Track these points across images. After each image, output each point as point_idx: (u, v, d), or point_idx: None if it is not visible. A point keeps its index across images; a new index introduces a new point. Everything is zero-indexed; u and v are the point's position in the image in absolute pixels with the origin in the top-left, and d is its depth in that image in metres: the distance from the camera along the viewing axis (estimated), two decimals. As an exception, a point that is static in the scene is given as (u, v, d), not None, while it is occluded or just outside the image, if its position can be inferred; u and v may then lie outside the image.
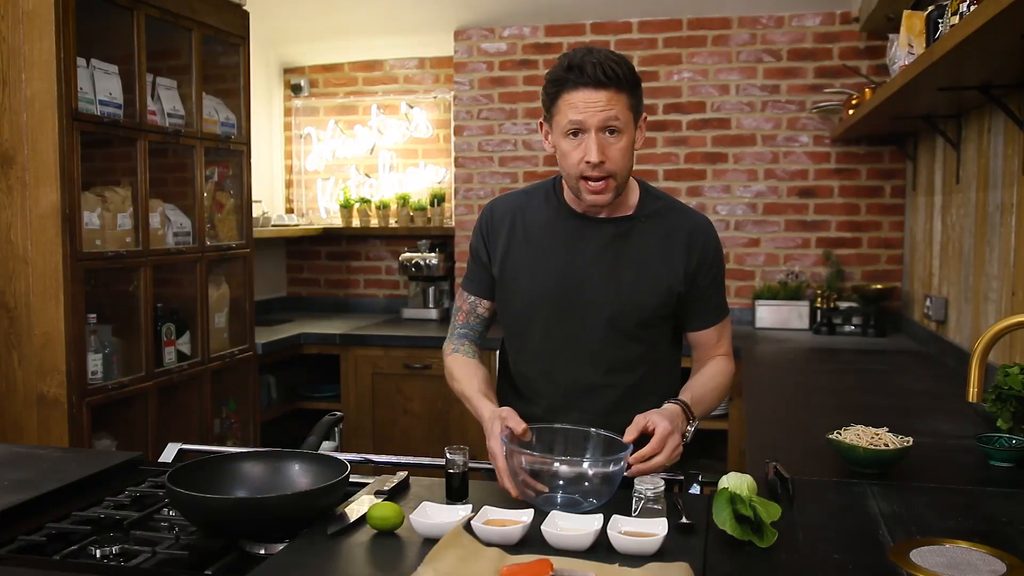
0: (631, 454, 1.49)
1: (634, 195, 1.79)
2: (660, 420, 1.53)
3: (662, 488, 1.37)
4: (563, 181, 1.78)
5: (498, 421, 1.57)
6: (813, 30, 4.05)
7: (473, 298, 1.88)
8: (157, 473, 1.64)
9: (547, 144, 1.73)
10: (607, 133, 1.63)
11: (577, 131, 1.63)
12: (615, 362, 1.77)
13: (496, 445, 1.53)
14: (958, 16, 1.88)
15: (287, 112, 4.87)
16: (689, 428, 1.65)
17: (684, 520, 1.34)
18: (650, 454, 1.51)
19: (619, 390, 1.78)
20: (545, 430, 1.57)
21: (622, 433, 1.56)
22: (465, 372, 1.79)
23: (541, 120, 1.73)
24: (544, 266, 1.77)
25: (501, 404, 1.86)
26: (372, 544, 1.30)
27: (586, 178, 1.65)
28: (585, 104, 1.61)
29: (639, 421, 1.54)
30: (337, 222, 4.76)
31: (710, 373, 1.83)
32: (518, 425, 1.53)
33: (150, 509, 1.45)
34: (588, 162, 1.63)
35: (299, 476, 1.47)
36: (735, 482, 1.36)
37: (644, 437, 1.54)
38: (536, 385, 1.82)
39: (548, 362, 1.79)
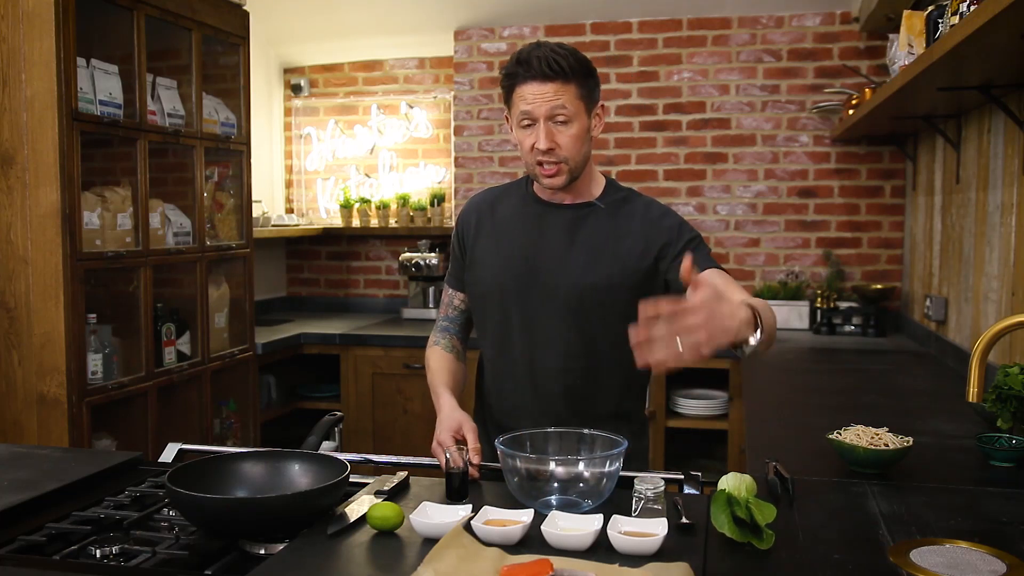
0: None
1: (599, 186, 1.86)
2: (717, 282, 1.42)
3: (662, 488, 1.37)
4: None
5: (453, 422, 1.68)
6: (813, 30, 4.05)
7: (451, 291, 1.98)
8: (157, 473, 1.64)
9: (512, 135, 1.80)
10: (556, 122, 1.70)
11: (529, 121, 1.71)
12: (571, 344, 1.80)
13: (446, 438, 1.65)
14: (958, 16, 1.88)
15: (287, 112, 4.87)
16: (751, 339, 1.36)
17: (684, 520, 1.34)
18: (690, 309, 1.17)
19: (576, 373, 1.81)
20: (538, 434, 1.57)
21: (586, 419, 1.64)
22: (438, 365, 1.90)
23: (506, 114, 1.80)
24: (505, 251, 1.84)
25: (480, 390, 1.97)
26: (372, 544, 1.30)
27: (540, 163, 1.74)
28: (533, 96, 1.69)
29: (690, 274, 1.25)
30: (337, 222, 4.76)
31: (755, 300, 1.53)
32: (473, 441, 1.63)
33: (150, 509, 1.45)
34: (539, 148, 1.71)
35: (299, 476, 1.47)
36: (734, 482, 1.35)
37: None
38: (499, 367, 1.87)
39: (507, 344, 1.85)
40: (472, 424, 1.69)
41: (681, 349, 1.16)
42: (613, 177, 4.26)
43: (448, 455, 1.51)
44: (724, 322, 1.24)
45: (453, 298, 1.98)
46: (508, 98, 1.75)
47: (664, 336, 1.16)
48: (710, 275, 1.68)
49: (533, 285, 1.80)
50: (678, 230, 1.81)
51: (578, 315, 1.79)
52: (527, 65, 1.68)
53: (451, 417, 1.71)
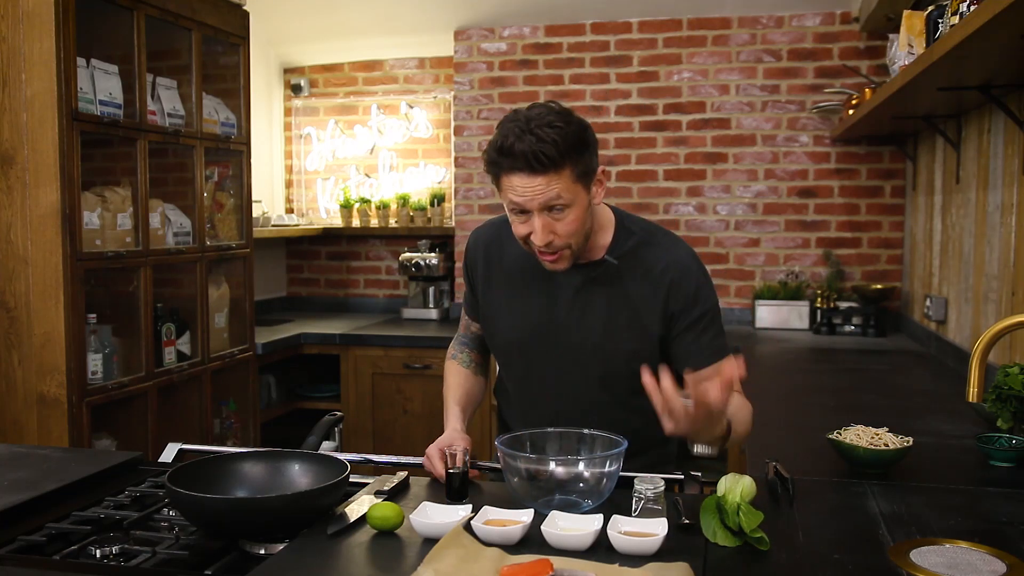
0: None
1: (607, 234, 1.72)
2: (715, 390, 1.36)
3: (662, 488, 1.37)
4: None
5: (448, 440, 1.64)
6: (813, 30, 4.05)
7: (467, 318, 1.95)
8: (157, 473, 1.64)
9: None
10: (552, 212, 1.56)
11: (521, 211, 1.58)
12: (597, 401, 1.74)
13: (434, 452, 1.60)
14: (958, 16, 1.88)
15: (287, 112, 4.87)
16: (706, 449, 1.60)
17: (684, 520, 1.34)
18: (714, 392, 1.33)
19: (604, 426, 1.70)
20: (538, 434, 1.57)
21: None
22: (454, 382, 1.86)
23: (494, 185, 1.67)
24: (518, 309, 1.77)
25: (501, 412, 1.93)
26: (372, 544, 1.30)
27: (539, 251, 1.61)
28: (523, 188, 1.53)
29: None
30: (337, 222, 4.76)
31: (734, 404, 1.60)
32: (460, 459, 1.57)
33: (150, 509, 1.45)
34: (535, 243, 1.59)
35: (299, 476, 1.47)
36: (733, 483, 1.35)
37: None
38: (525, 415, 1.82)
39: (528, 401, 1.81)
40: (465, 447, 1.61)
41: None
42: (612, 181, 4.26)
43: (448, 454, 1.51)
44: (701, 435, 1.48)
45: (470, 325, 1.94)
46: (495, 180, 1.59)
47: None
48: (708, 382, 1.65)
49: (552, 348, 1.73)
50: (693, 297, 1.68)
51: (603, 378, 1.72)
52: (512, 156, 1.50)
53: (449, 437, 1.68)
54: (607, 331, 1.70)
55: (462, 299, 1.97)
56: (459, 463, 1.50)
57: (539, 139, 1.49)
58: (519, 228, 1.60)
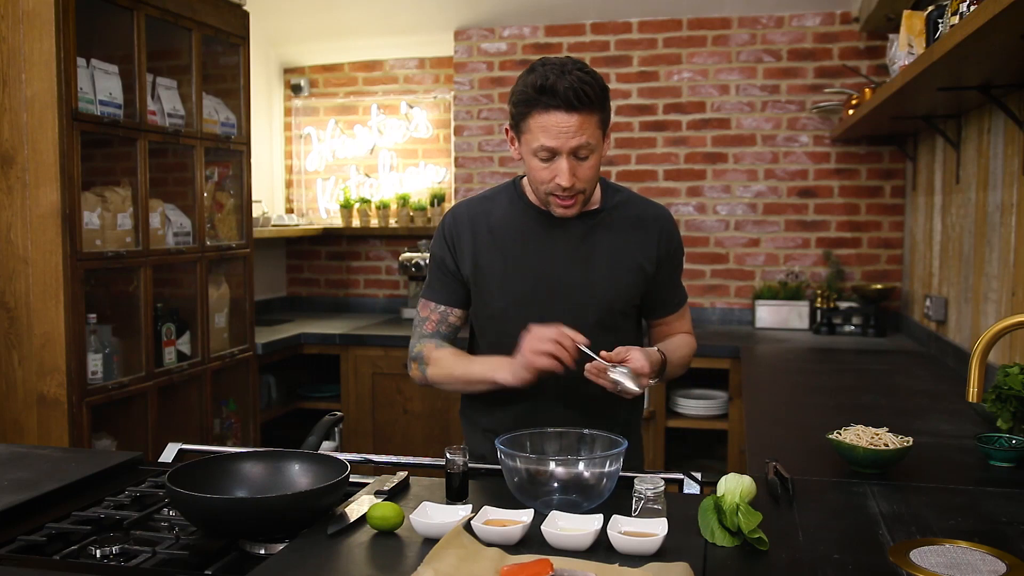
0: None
1: (596, 192, 1.80)
2: (640, 356, 1.61)
3: (662, 488, 1.37)
4: (525, 180, 1.79)
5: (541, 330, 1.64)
6: (813, 30, 4.05)
7: (443, 307, 1.84)
8: (157, 473, 1.64)
9: (513, 150, 1.71)
10: (579, 156, 1.63)
11: (549, 155, 1.63)
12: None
13: (553, 333, 1.62)
14: (958, 16, 1.89)
15: (287, 112, 4.88)
16: (651, 382, 1.68)
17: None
18: (617, 359, 1.58)
19: (597, 386, 1.75)
20: (538, 434, 1.57)
21: (602, 429, 1.59)
22: (458, 356, 1.80)
23: (507, 127, 1.71)
24: (516, 268, 1.76)
25: (465, 410, 1.90)
26: (372, 544, 1.30)
27: (557, 195, 1.67)
28: (558, 129, 1.59)
29: (621, 351, 1.61)
30: (337, 222, 4.76)
31: (680, 342, 1.87)
32: (578, 336, 1.62)
33: (150, 509, 1.45)
34: (559, 184, 1.64)
35: (299, 476, 1.47)
36: (733, 483, 1.36)
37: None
38: (514, 388, 1.75)
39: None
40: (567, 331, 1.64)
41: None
42: (612, 179, 4.26)
43: (448, 455, 1.50)
44: (638, 383, 1.61)
45: (448, 315, 1.84)
46: (522, 122, 1.63)
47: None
48: (668, 321, 1.90)
49: (554, 303, 1.74)
50: (677, 248, 1.85)
51: (604, 330, 1.74)
52: (552, 94, 1.56)
53: (513, 359, 1.67)
54: (610, 280, 1.76)
55: (424, 296, 1.87)
56: (459, 463, 1.50)
57: (580, 79, 1.58)
58: (542, 173, 1.65)
